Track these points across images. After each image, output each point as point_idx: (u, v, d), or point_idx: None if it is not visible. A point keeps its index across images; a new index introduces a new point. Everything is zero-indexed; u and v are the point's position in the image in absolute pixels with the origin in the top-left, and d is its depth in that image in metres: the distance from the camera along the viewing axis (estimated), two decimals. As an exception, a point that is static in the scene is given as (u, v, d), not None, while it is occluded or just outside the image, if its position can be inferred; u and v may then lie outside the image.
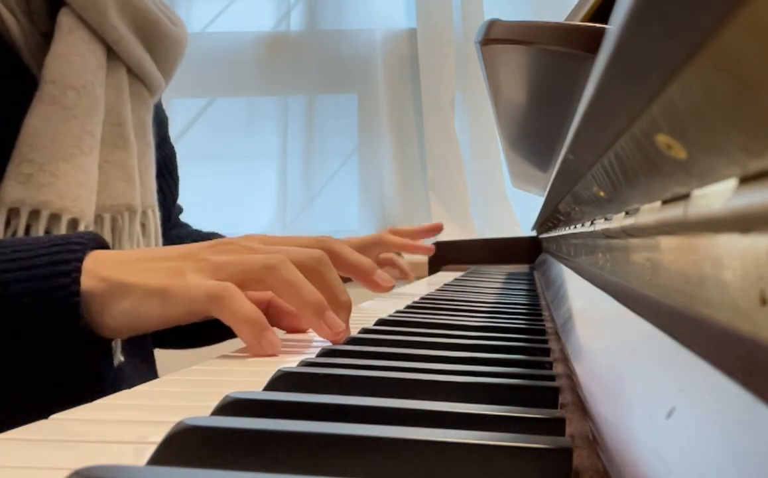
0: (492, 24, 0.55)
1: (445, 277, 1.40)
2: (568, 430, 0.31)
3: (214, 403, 0.31)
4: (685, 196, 0.21)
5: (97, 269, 0.55)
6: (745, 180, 0.16)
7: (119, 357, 0.73)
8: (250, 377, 0.47)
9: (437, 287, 1.09)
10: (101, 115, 0.78)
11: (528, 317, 0.71)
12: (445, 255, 1.71)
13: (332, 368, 0.40)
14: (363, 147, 2.20)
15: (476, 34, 0.57)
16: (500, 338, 0.55)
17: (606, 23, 0.22)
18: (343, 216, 2.19)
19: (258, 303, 0.60)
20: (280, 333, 0.64)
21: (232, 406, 0.31)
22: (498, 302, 0.86)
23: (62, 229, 0.72)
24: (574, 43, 0.44)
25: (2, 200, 0.71)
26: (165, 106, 1.06)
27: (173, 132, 1.07)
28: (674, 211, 0.23)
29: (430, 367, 0.42)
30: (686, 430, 0.19)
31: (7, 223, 0.71)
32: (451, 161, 2.12)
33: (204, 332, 0.93)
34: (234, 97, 2.23)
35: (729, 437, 0.16)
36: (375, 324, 0.62)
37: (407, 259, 1.28)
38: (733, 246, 0.18)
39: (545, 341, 0.54)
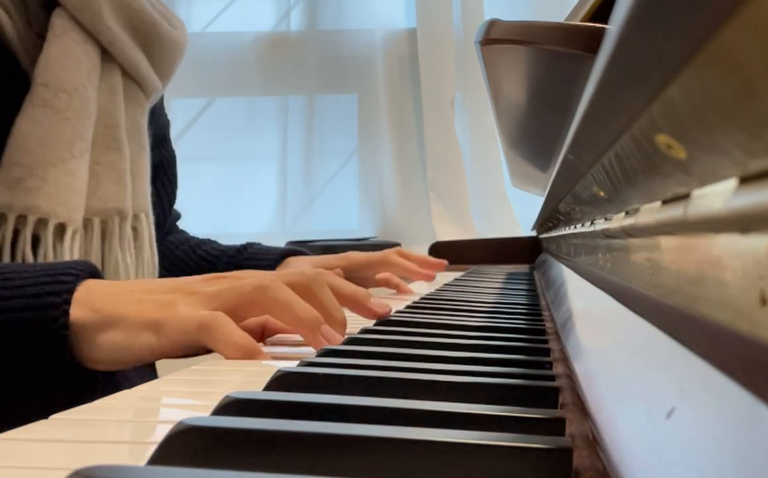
0: (492, 24, 0.55)
1: (445, 277, 1.40)
2: (568, 430, 0.31)
3: (214, 403, 0.31)
4: (685, 196, 0.21)
5: (89, 300, 0.54)
6: (745, 180, 0.16)
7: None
8: (250, 377, 0.47)
9: (437, 287, 1.09)
10: (93, 118, 0.77)
11: (528, 317, 0.71)
12: (445, 255, 1.71)
13: (332, 368, 0.40)
14: (363, 147, 2.20)
15: (476, 34, 0.57)
16: (500, 338, 0.55)
17: (606, 23, 0.22)
18: (343, 216, 2.19)
19: (253, 329, 0.59)
20: (282, 336, 0.64)
21: (232, 406, 0.31)
22: (498, 302, 0.86)
23: (49, 234, 0.71)
24: (574, 43, 0.44)
25: None
26: (165, 107, 1.05)
27: (173, 132, 1.06)
28: (674, 211, 0.23)
29: (430, 367, 0.42)
30: (686, 430, 0.19)
31: None
32: (451, 161, 2.12)
33: None
34: (234, 97, 2.23)
35: (729, 437, 0.16)
36: (375, 324, 0.62)
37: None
38: (733, 246, 0.18)
39: (545, 341, 0.54)
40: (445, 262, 1.17)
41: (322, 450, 0.26)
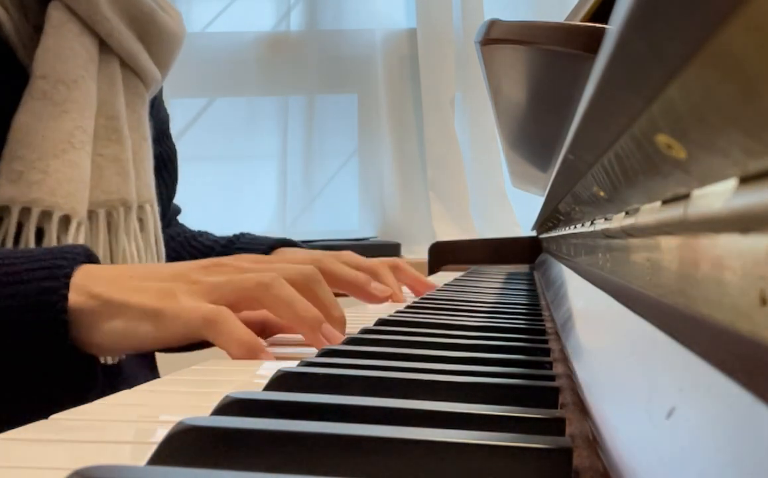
0: (492, 24, 0.55)
1: (445, 277, 1.40)
2: (568, 430, 0.31)
3: (214, 403, 0.31)
4: (685, 196, 0.21)
5: (87, 285, 0.54)
6: (745, 180, 0.16)
7: (120, 355, 0.73)
8: (250, 377, 0.47)
9: (437, 287, 1.09)
10: (93, 110, 0.77)
11: (528, 317, 0.71)
12: (445, 255, 1.71)
13: (332, 368, 0.40)
14: (363, 147, 2.20)
15: (476, 34, 0.57)
16: (500, 338, 0.55)
17: (606, 23, 0.22)
18: (343, 216, 2.19)
19: (252, 323, 0.59)
20: (282, 335, 0.64)
21: (232, 406, 0.31)
22: (498, 302, 0.86)
23: (54, 227, 0.71)
24: (574, 43, 0.44)
25: None
26: (165, 105, 1.04)
27: (173, 132, 1.06)
28: (674, 211, 0.23)
29: (430, 367, 0.42)
30: (686, 430, 0.19)
31: (0, 221, 0.71)
32: (451, 161, 2.12)
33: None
34: (234, 97, 2.23)
35: (729, 437, 0.16)
36: (375, 324, 0.62)
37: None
38: (733, 246, 0.18)
39: (545, 341, 0.54)
40: (433, 285, 1.11)
41: (322, 450, 0.26)
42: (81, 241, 0.73)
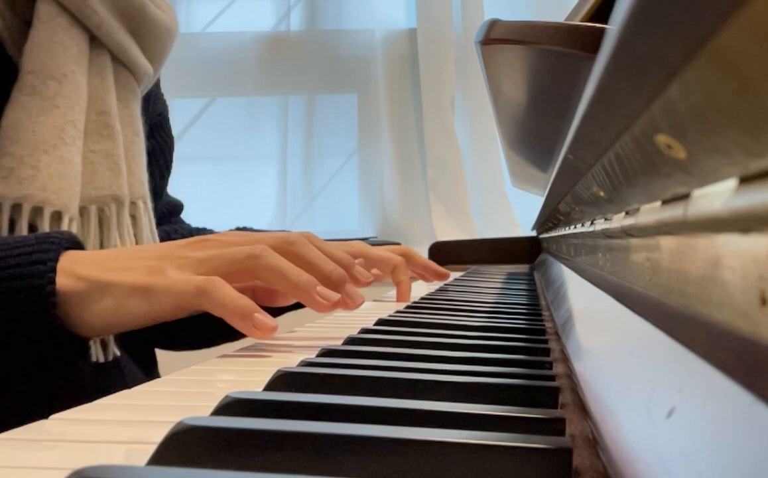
0: (492, 24, 0.55)
1: (445, 277, 1.40)
2: (568, 430, 0.31)
3: (214, 403, 0.31)
4: (685, 196, 0.21)
5: (74, 268, 0.54)
6: (745, 180, 0.16)
7: (114, 351, 0.73)
8: (250, 377, 0.47)
9: (437, 287, 1.09)
10: (84, 105, 0.76)
11: (528, 317, 0.71)
12: (445, 255, 1.71)
13: (332, 368, 0.40)
14: (363, 147, 2.20)
15: (476, 34, 0.57)
16: (500, 338, 0.55)
17: (606, 23, 0.22)
18: (343, 216, 2.19)
19: (244, 291, 0.59)
20: (282, 335, 0.64)
21: (232, 406, 0.31)
22: (498, 302, 0.86)
23: (45, 223, 0.70)
24: (574, 43, 0.44)
25: None
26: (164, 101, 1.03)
27: (174, 132, 1.05)
28: (674, 211, 0.23)
29: (430, 367, 0.42)
30: (686, 430, 0.19)
31: None
32: (451, 161, 2.12)
33: (208, 332, 0.92)
34: (234, 97, 2.23)
35: (729, 437, 0.16)
36: (375, 324, 0.62)
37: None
38: (733, 246, 0.18)
39: (545, 341, 0.54)
40: (447, 273, 1.07)
41: (322, 450, 0.26)
42: None
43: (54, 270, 0.54)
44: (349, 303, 0.60)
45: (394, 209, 2.16)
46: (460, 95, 2.17)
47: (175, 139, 1.04)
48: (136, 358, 0.84)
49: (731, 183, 0.17)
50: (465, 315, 0.72)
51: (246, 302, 0.53)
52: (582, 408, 0.35)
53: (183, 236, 1.00)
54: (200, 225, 1.09)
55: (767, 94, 0.13)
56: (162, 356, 0.96)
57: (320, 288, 0.56)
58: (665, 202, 0.25)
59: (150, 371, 0.90)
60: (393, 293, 1.06)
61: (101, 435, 0.35)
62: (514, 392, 0.36)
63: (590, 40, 0.43)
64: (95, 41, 0.78)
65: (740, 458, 0.15)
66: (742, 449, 0.16)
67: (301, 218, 2.18)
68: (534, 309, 0.79)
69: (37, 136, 0.72)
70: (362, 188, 2.20)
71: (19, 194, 0.70)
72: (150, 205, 0.83)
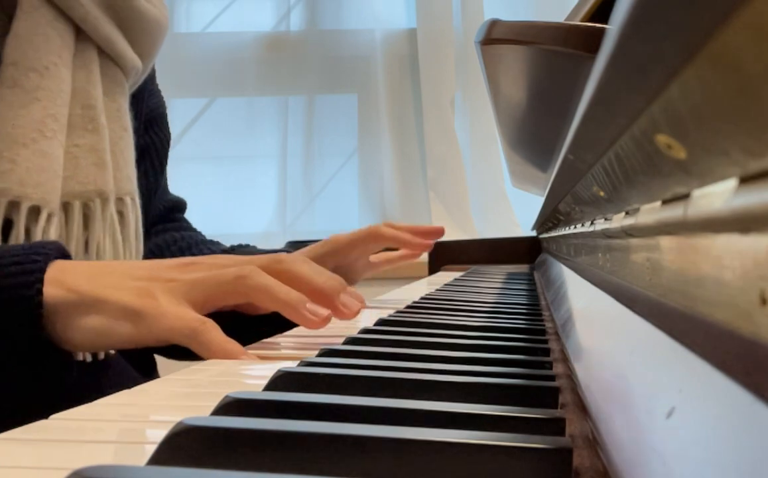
0: (492, 24, 0.55)
1: (445, 277, 1.40)
2: (568, 430, 0.31)
3: (214, 403, 0.31)
4: (685, 196, 0.21)
5: (62, 279, 0.54)
6: (745, 180, 0.16)
7: (109, 351, 0.72)
8: (250, 377, 0.47)
9: (437, 287, 1.09)
10: (67, 98, 0.74)
11: (528, 317, 0.71)
12: (445, 255, 1.71)
13: (332, 368, 0.40)
14: (363, 147, 2.20)
15: (476, 34, 0.57)
16: (500, 338, 0.55)
17: (606, 23, 0.22)
18: (343, 216, 2.19)
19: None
20: (282, 335, 0.64)
21: (232, 406, 0.31)
22: (498, 302, 0.86)
23: (22, 217, 0.69)
24: (574, 43, 0.44)
25: None
26: (161, 97, 1.02)
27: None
28: (674, 211, 0.23)
29: (430, 367, 0.42)
30: (686, 430, 0.19)
31: None
32: (451, 161, 2.13)
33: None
34: (234, 97, 2.23)
35: (729, 437, 0.16)
36: (375, 324, 0.62)
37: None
38: (733, 246, 0.18)
39: (545, 341, 0.54)
40: (441, 228, 1.04)
41: (322, 450, 0.26)
42: (52, 232, 0.71)
43: (41, 280, 0.53)
44: (346, 312, 0.60)
45: (394, 209, 2.16)
46: (460, 95, 2.17)
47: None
48: (134, 359, 0.83)
49: (731, 183, 0.17)
50: (465, 315, 0.72)
51: (233, 346, 0.53)
52: (582, 408, 0.35)
53: (179, 250, 0.97)
54: (200, 225, 1.07)
55: (767, 94, 0.13)
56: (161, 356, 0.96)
57: (310, 305, 0.56)
58: (665, 202, 0.25)
59: (149, 372, 0.90)
60: (393, 293, 1.06)
61: (101, 435, 0.35)
62: (514, 392, 0.36)
63: (590, 40, 0.43)
64: (81, 34, 0.77)
65: (740, 457, 0.15)
66: (742, 449, 0.16)
67: (301, 218, 2.18)
68: (534, 309, 0.79)
69: (17, 130, 0.70)
70: (362, 188, 2.20)
71: None
72: (138, 202, 0.81)
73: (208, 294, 0.55)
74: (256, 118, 2.22)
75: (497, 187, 2.13)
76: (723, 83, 0.14)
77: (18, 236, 0.68)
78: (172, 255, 0.95)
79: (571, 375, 0.42)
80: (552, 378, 0.39)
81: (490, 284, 1.15)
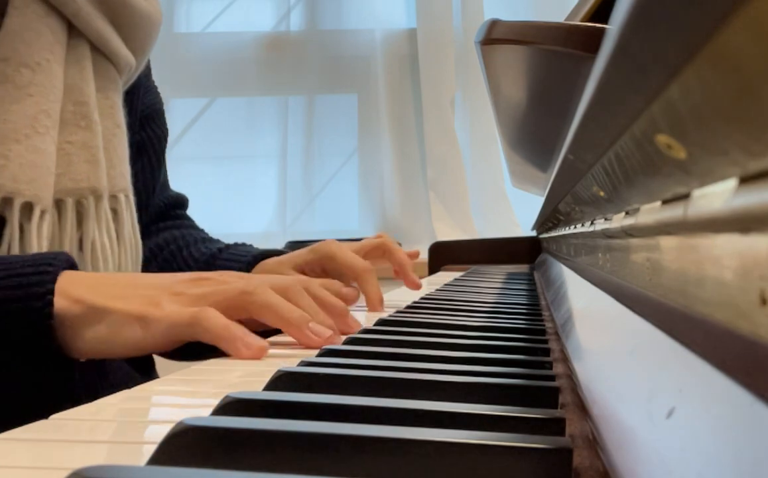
0: (492, 24, 0.55)
1: (445, 277, 1.40)
2: (568, 430, 0.31)
3: (214, 403, 0.31)
4: (685, 196, 0.21)
5: (70, 290, 0.54)
6: (745, 180, 0.16)
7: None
8: (250, 377, 0.47)
9: (437, 287, 1.09)
10: (59, 94, 0.74)
11: (528, 317, 0.71)
12: (445, 255, 1.71)
13: (332, 368, 0.40)
14: (363, 147, 2.20)
15: (476, 34, 0.57)
16: (500, 338, 0.55)
17: (606, 23, 0.22)
18: (343, 216, 2.19)
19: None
20: (283, 337, 0.64)
21: (232, 406, 0.31)
22: (498, 302, 0.86)
23: (15, 214, 0.68)
24: (574, 43, 0.44)
25: None
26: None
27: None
28: (674, 211, 0.23)
29: (430, 367, 0.42)
30: (686, 430, 0.19)
31: None
32: (451, 161, 2.12)
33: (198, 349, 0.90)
34: (234, 97, 2.23)
35: (729, 437, 0.16)
36: (375, 324, 0.62)
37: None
38: (733, 246, 0.18)
39: (545, 341, 0.54)
40: (416, 251, 1.03)
41: (322, 450, 0.26)
42: (45, 229, 0.71)
43: (52, 292, 0.54)
44: (315, 340, 0.60)
45: (394, 209, 2.16)
46: (460, 95, 2.17)
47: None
48: (133, 360, 0.83)
49: (731, 183, 0.17)
50: (465, 315, 0.72)
51: (235, 327, 0.54)
52: (582, 408, 0.35)
53: (177, 248, 0.96)
54: (200, 225, 1.07)
55: (767, 94, 0.13)
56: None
57: (312, 324, 0.56)
58: (665, 202, 0.25)
59: (149, 372, 0.90)
60: (393, 293, 1.06)
61: (101, 435, 0.35)
62: (514, 392, 0.36)
63: (590, 40, 0.43)
64: (74, 30, 0.76)
65: (740, 457, 0.15)
66: (742, 448, 0.16)
67: (301, 218, 2.18)
68: (534, 309, 0.79)
69: (9, 126, 0.70)
70: (362, 188, 2.20)
71: None
72: (133, 199, 0.80)
73: (214, 308, 0.55)
74: (256, 118, 2.22)
75: (497, 187, 2.13)
76: (723, 83, 0.14)
77: (12, 233, 0.68)
78: (171, 253, 0.95)
79: (571, 375, 0.42)
80: (552, 378, 0.39)
81: (490, 284, 1.15)
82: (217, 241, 1.02)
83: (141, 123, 0.92)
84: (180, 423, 0.26)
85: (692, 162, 0.19)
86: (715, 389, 0.18)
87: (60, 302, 0.54)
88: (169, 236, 0.97)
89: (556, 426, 0.29)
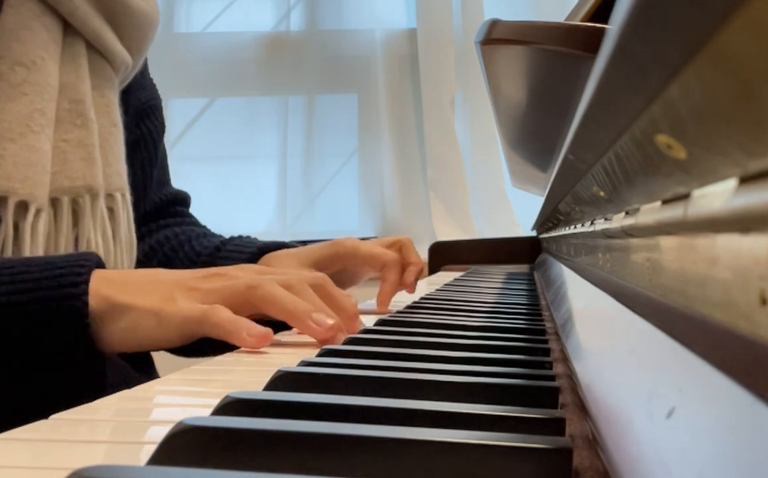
0: (492, 24, 0.55)
1: (445, 277, 1.40)
2: (568, 430, 0.31)
3: (214, 403, 0.31)
4: (685, 196, 0.21)
5: (98, 287, 0.57)
6: (745, 180, 0.16)
7: None
8: (250, 377, 0.47)
9: (437, 287, 1.09)
10: (54, 92, 0.74)
11: (528, 317, 0.71)
12: (445, 255, 1.71)
13: (332, 368, 0.40)
14: (363, 147, 2.20)
15: (476, 34, 0.57)
16: (500, 338, 0.55)
17: (606, 23, 0.22)
18: (343, 216, 2.19)
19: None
20: (284, 337, 0.64)
21: (232, 406, 0.31)
22: (498, 302, 0.86)
23: (10, 212, 0.68)
24: (574, 43, 0.44)
25: None
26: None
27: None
28: (674, 211, 0.23)
29: (430, 367, 0.42)
30: (686, 430, 0.19)
31: None
32: (451, 161, 2.12)
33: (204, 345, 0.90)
34: (234, 97, 2.23)
35: (729, 437, 0.16)
36: (375, 324, 0.62)
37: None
38: (733, 246, 0.18)
39: (545, 341, 0.54)
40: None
41: (322, 450, 0.26)
42: (40, 227, 0.71)
43: (87, 292, 0.56)
44: (318, 330, 0.60)
45: (394, 209, 2.16)
46: (460, 95, 2.17)
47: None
48: (133, 359, 0.83)
49: (731, 183, 0.17)
50: (465, 315, 0.72)
51: (239, 318, 0.56)
52: (582, 408, 0.35)
53: (179, 243, 0.96)
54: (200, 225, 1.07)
55: (767, 94, 0.13)
56: (162, 355, 0.96)
57: (315, 315, 0.57)
58: (665, 202, 0.25)
59: (149, 372, 0.90)
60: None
61: (101, 435, 0.35)
62: (514, 392, 0.36)
63: (590, 40, 0.43)
64: (69, 28, 0.76)
65: (740, 457, 0.15)
66: (742, 449, 0.16)
67: (301, 218, 2.18)
68: (534, 309, 0.79)
69: (3, 124, 0.70)
70: (362, 188, 2.20)
71: None
72: (129, 198, 0.80)
73: (222, 302, 0.57)
74: (256, 118, 2.21)
75: (497, 187, 2.13)
76: (723, 83, 0.14)
77: (6, 232, 0.68)
78: (172, 249, 0.95)
79: (571, 375, 0.42)
80: (552, 378, 0.39)
81: (490, 284, 1.15)
82: (220, 236, 1.01)
83: (137, 119, 0.92)
84: (180, 423, 0.26)
85: (692, 162, 0.19)
86: (715, 389, 0.18)
87: (91, 301, 0.56)
88: (170, 233, 0.97)
89: (556, 426, 0.29)
